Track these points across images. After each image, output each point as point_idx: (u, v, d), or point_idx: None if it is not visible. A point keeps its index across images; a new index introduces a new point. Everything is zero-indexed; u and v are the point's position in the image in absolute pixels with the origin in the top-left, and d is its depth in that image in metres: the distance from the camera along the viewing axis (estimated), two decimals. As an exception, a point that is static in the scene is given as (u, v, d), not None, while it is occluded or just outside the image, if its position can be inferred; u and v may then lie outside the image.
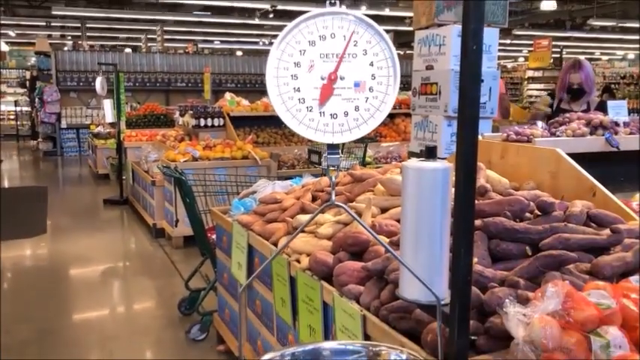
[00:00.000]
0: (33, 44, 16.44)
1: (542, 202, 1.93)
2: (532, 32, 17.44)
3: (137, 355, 3.59)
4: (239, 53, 19.33)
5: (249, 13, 15.49)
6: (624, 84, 18.98)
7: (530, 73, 21.26)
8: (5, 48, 18.76)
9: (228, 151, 5.97)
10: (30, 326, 3.92)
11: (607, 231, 1.79)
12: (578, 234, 1.73)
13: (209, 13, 15.95)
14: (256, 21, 15.46)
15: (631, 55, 23.72)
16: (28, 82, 16.67)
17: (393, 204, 2.26)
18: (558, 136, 2.64)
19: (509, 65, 24.52)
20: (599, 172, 2.19)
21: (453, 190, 1.23)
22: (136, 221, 7.09)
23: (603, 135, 2.65)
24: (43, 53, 14.31)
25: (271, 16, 14.68)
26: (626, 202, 2.16)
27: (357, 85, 1.26)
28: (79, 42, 15.07)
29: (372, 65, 1.27)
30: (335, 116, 1.26)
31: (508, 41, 18.55)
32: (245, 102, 7.43)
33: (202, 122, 6.65)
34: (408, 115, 6.74)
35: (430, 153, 1.29)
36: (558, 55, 18.87)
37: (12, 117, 18.36)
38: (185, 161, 5.66)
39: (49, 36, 18.73)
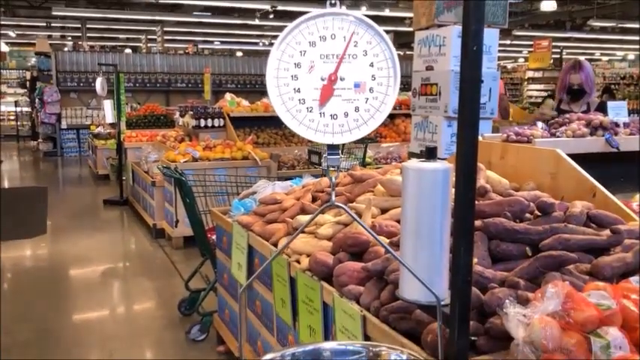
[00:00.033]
0: (33, 45, 16.47)
1: (542, 202, 1.93)
2: (532, 33, 17.44)
3: (137, 356, 3.59)
4: (239, 54, 19.33)
5: (250, 13, 15.50)
6: (624, 85, 19.00)
7: (530, 74, 21.29)
8: (5, 48, 18.76)
9: (228, 151, 5.97)
10: (30, 326, 3.92)
11: (607, 232, 1.79)
12: (578, 235, 1.73)
13: (209, 13, 15.96)
14: (256, 22, 15.46)
15: (631, 56, 23.74)
16: (28, 83, 16.69)
17: (393, 204, 2.26)
18: (558, 137, 2.64)
19: (509, 66, 24.54)
20: (599, 173, 2.19)
21: (453, 190, 1.23)
22: (136, 222, 7.09)
23: (603, 136, 2.65)
24: (43, 54, 14.32)
25: (271, 16, 14.68)
26: (626, 202, 2.16)
27: (357, 85, 1.26)
28: (80, 42, 15.08)
29: (372, 66, 1.27)
30: (335, 117, 1.26)
31: (508, 42, 18.55)
32: (245, 102, 7.43)
33: (202, 123, 6.65)
34: (408, 116, 6.74)
35: (430, 154, 1.29)
36: (558, 56, 18.91)
37: (12, 117, 18.36)
38: (185, 162, 5.66)
39: (50, 36, 18.74)
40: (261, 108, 7.16)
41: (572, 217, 1.85)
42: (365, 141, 5.52)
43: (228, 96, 7.49)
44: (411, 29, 3.77)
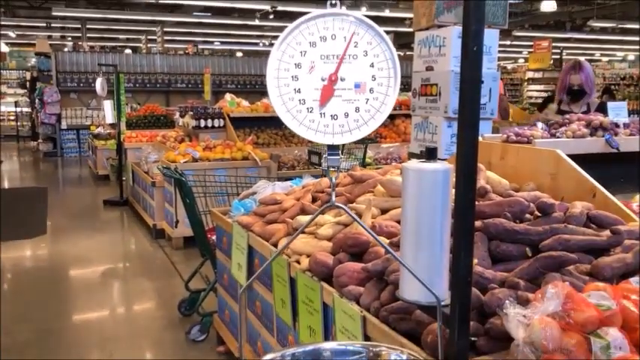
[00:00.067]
0: (33, 45, 16.47)
1: (542, 203, 1.93)
2: (532, 33, 17.45)
3: (137, 356, 3.59)
4: (239, 54, 19.33)
5: (250, 14, 15.50)
6: (624, 85, 19.01)
7: (530, 75, 21.30)
8: (5, 49, 18.76)
9: (228, 152, 5.97)
10: (30, 327, 3.92)
11: (607, 232, 1.79)
12: (578, 235, 1.73)
13: (209, 14, 15.95)
14: (256, 22, 15.46)
15: (631, 57, 23.74)
16: (28, 83, 16.69)
17: (393, 205, 2.26)
18: (558, 138, 2.64)
19: (509, 66, 24.55)
20: (599, 174, 2.19)
21: (453, 191, 1.23)
22: (136, 222, 7.09)
23: (603, 136, 2.65)
24: (43, 54, 14.32)
25: (271, 17, 14.68)
26: (626, 203, 2.16)
27: (357, 86, 1.27)
28: (79, 43, 15.08)
29: (373, 66, 1.27)
30: (335, 117, 1.26)
31: (508, 42, 18.56)
32: (245, 103, 7.43)
33: (202, 123, 6.65)
34: (408, 116, 6.74)
35: (430, 154, 1.29)
36: (558, 57, 18.91)
37: (12, 118, 18.38)
38: (185, 162, 5.66)
39: (49, 37, 18.74)
40: (261, 108, 7.16)
41: (572, 218, 1.86)
42: (365, 141, 5.52)
43: (228, 96, 7.49)
44: (411, 30, 3.77)
